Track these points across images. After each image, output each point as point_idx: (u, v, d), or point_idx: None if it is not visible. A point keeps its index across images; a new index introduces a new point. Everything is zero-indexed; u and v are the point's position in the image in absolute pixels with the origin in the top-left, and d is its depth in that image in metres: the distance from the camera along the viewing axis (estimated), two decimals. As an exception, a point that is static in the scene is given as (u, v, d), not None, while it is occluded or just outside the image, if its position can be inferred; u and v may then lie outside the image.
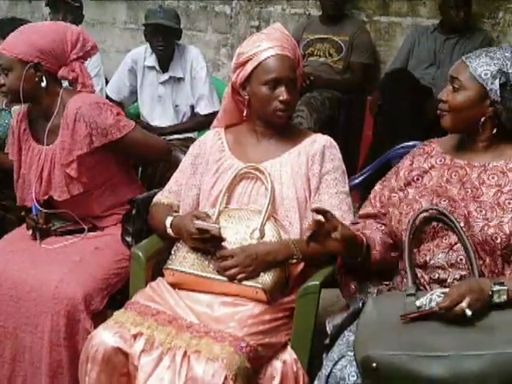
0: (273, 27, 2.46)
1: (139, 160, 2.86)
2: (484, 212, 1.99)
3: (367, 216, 2.27)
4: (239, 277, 2.22)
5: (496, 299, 1.87)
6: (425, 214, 2.06)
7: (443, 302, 1.84)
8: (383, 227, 2.21)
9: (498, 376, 1.74)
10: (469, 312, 1.81)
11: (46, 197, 2.69)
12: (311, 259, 2.30)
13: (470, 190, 2.05)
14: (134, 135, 2.67)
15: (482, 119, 2.03)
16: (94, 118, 2.58)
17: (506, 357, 1.74)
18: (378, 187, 2.28)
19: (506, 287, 1.87)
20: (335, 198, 2.34)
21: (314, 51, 4.80)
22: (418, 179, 2.16)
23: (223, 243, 2.28)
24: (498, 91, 1.99)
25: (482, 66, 2.02)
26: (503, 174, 2.03)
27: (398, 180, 2.21)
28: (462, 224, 1.99)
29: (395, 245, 2.18)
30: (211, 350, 2.03)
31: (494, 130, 2.05)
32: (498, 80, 1.98)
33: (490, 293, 1.87)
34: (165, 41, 4.09)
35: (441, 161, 2.16)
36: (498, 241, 1.95)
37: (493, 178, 2.04)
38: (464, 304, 1.82)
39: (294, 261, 2.27)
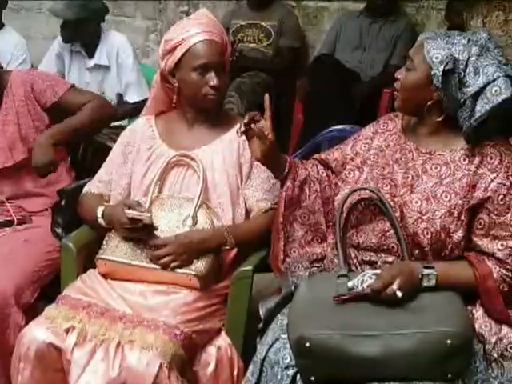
0: (199, 13, 2.45)
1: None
2: (419, 204, 1.99)
3: (312, 158, 2.31)
4: (172, 265, 2.22)
5: (425, 283, 1.91)
6: (366, 195, 2.07)
7: (375, 283, 1.87)
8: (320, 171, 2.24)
9: (427, 354, 1.78)
10: (399, 293, 1.85)
11: None
12: (244, 245, 2.31)
13: (411, 177, 2.05)
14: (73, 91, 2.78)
15: (428, 104, 2.00)
16: (40, 74, 2.75)
17: (434, 335, 1.79)
18: (334, 147, 2.30)
19: (435, 272, 1.91)
20: (266, 183, 2.35)
21: (244, 37, 4.81)
22: (374, 157, 2.16)
23: (156, 232, 2.26)
24: (440, 78, 1.94)
25: (436, 49, 1.96)
26: (446, 166, 2.01)
27: (353, 149, 2.21)
28: (397, 213, 2.01)
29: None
30: (145, 339, 2.03)
31: (439, 118, 2.01)
32: (443, 66, 1.94)
33: (420, 276, 1.91)
34: (66, 31, 4.04)
35: (396, 140, 2.15)
36: (428, 236, 1.96)
37: (436, 168, 2.02)
38: (395, 286, 1.85)
39: (228, 248, 2.28)
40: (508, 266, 1.93)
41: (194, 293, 2.22)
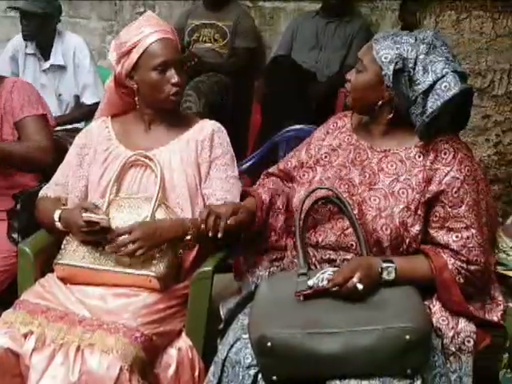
0: (147, 15, 2.43)
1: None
2: (378, 201, 2.02)
3: (271, 174, 2.34)
4: (139, 252, 2.16)
5: (385, 276, 1.94)
6: (323, 195, 2.09)
7: (335, 277, 1.89)
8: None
9: (386, 349, 1.81)
10: (360, 286, 1.87)
11: None
12: (205, 240, 2.28)
13: (368, 175, 2.08)
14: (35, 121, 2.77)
15: (379, 103, 2.03)
16: (24, 89, 2.79)
17: (393, 331, 1.81)
18: (289, 154, 2.33)
19: (394, 265, 1.95)
20: (225, 183, 2.35)
21: (200, 37, 4.81)
22: (326, 157, 2.19)
23: (114, 234, 2.25)
24: (391, 77, 1.98)
25: (385, 50, 2.00)
26: (402, 163, 2.05)
27: (308, 153, 2.24)
28: (356, 211, 2.03)
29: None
30: (105, 343, 2.01)
31: (390, 115, 2.05)
32: (393, 65, 1.97)
33: (380, 270, 1.94)
34: (30, 26, 3.99)
35: (348, 139, 2.18)
36: (388, 232, 1.99)
37: (392, 165, 2.06)
38: (355, 279, 1.88)
39: (190, 235, 2.22)
40: (463, 258, 1.97)
41: (154, 295, 2.20)
